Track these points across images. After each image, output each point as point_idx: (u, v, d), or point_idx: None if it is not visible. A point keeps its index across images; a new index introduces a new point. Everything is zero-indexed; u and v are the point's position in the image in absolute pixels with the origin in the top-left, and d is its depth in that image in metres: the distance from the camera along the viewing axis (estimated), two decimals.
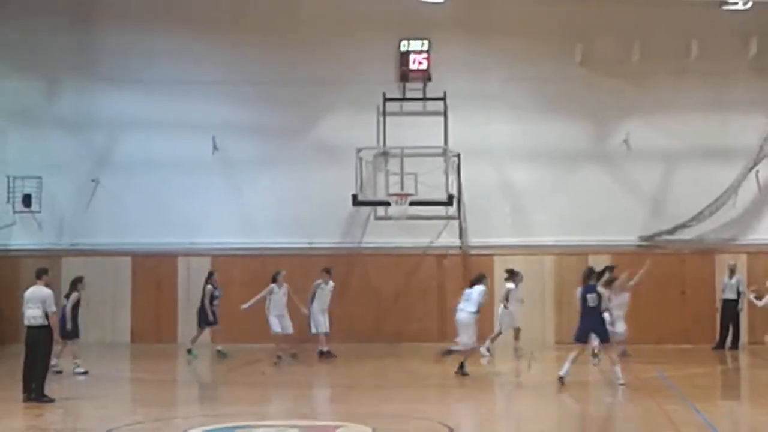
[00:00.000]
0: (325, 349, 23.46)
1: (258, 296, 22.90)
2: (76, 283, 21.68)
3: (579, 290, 18.89)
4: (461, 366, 19.97)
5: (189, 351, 24.24)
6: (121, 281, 28.30)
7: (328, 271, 23.86)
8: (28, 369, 17.44)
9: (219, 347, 24.20)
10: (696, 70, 27.27)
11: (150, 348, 26.80)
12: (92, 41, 28.75)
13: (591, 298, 18.56)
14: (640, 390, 18.85)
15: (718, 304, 25.93)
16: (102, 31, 28.74)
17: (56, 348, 20.50)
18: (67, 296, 21.72)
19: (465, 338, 20.08)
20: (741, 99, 27.32)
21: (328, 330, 23.54)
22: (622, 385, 18.35)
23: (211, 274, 24.54)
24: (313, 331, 23.44)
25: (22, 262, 28.31)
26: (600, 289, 19.10)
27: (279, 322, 22.73)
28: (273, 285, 22.85)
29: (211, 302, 24.10)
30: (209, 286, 24.18)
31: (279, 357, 22.53)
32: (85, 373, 21.21)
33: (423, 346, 24.76)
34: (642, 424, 15.25)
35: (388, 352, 23.69)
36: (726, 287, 25.70)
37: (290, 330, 22.90)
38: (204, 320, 24.32)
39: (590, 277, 19.14)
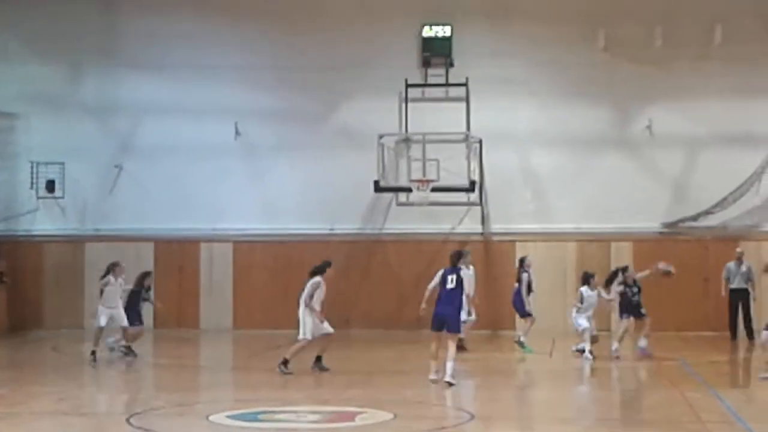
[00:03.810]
0: None
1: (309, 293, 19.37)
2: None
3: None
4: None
5: None
6: (144, 266, 28.14)
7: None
8: None
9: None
10: (720, 55, 27.09)
11: (172, 333, 26.89)
12: (115, 26, 28.80)
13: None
14: (663, 377, 18.82)
15: (724, 293, 25.06)
16: (125, 16, 28.80)
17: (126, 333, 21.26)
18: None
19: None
20: (765, 84, 27.12)
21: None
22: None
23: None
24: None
25: (45, 247, 28.54)
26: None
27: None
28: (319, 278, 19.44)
29: None
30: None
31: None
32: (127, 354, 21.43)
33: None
34: (664, 412, 15.20)
35: (409, 338, 23.69)
36: (733, 275, 24.90)
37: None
38: None
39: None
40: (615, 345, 20.89)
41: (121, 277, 21.38)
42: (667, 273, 21.35)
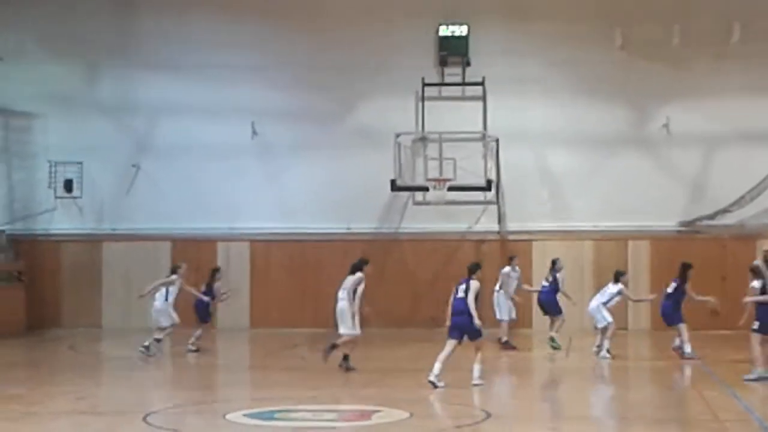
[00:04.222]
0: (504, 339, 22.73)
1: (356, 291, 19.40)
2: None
3: None
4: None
5: None
6: (161, 266, 28.36)
7: (511, 258, 23.31)
8: None
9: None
10: (737, 53, 27.01)
11: (190, 332, 26.90)
12: (132, 26, 28.88)
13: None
14: (680, 376, 18.77)
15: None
16: (142, 16, 28.89)
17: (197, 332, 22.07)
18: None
19: None
20: None
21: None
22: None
23: None
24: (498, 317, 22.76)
25: (63, 246, 28.65)
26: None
27: None
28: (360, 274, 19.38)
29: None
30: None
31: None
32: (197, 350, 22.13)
33: None
34: (680, 411, 15.18)
35: (425, 337, 23.67)
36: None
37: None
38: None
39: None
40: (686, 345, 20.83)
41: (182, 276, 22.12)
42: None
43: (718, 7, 27.24)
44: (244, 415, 13.94)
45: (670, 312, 20.66)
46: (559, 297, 22.81)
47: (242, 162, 28.27)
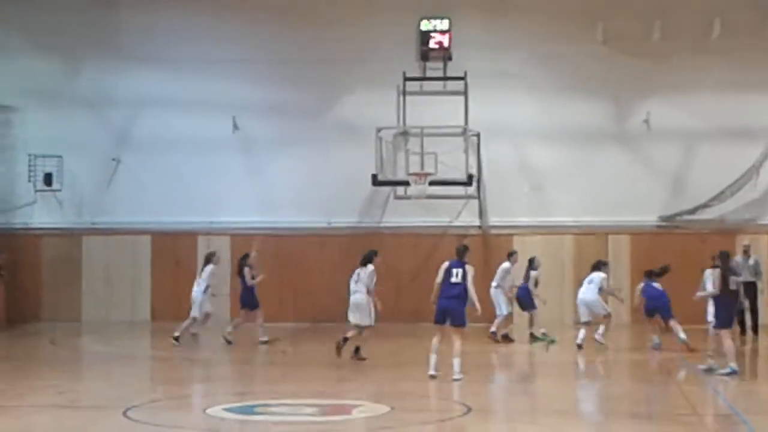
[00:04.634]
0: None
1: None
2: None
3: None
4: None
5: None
6: (141, 260, 28.41)
7: (511, 254, 23.48)
8: None
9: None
10: (718, 48, 27.08)
11: (170, 326, 26.85)
12: (113, 20, 28.76)
13: None
14: (659, 371, 18.84)
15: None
16: (123, 9, 28.76)
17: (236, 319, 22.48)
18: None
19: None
20: (763, 78, 27.12)
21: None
22: None
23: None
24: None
25: (42, 240, 28.54)
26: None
27: None
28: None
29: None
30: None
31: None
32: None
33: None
34: (660, 405, 15.24)
35: (407, 331, 23.70)
36: (741, 269, 24.61)
37: None
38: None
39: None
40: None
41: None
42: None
43: (698, 2, 27.32)
44: (224, 410, 13.93)
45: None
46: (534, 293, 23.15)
47: (223, 156, 28.21)
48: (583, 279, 22.28)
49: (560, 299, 26.60)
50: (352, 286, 19.44)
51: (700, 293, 17.81)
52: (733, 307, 17.60)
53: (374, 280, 19.35)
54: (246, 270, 22.61)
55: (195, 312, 22.21)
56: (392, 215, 27.91)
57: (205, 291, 22.33)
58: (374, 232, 27.80)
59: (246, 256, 22.96)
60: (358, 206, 28.02)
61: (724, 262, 17.67)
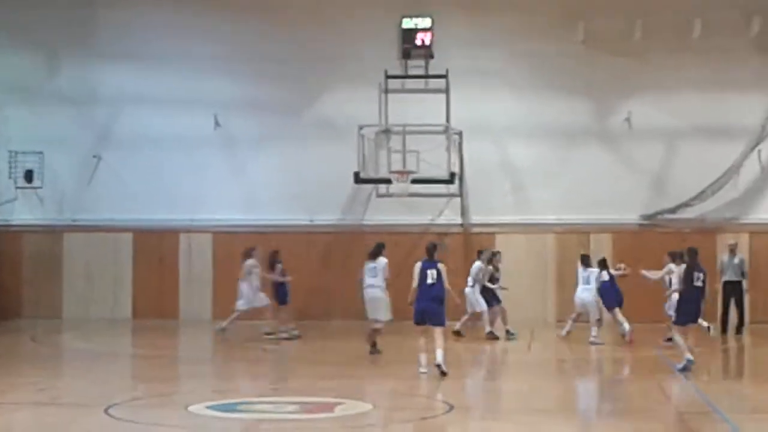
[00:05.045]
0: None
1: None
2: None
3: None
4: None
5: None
6: (123, 257, 28.34)
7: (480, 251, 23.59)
8: None
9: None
10: (698, 48, 27.17)
11: (151, 324, 26.86)
12: (93, 16, 28.67)
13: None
14: (640, 368, 18.91)
15: (718, 286, 24.57)
16: (103, 6, 28.67)
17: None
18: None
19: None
20: (744, 78, 27.23)
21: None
22: None
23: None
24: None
25: (23, 237, 28.46)
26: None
27: None
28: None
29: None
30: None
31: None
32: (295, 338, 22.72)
33: None
34: (640, 402, 15.29)
35: (388, 329, 23.71)
36: (727, 268, 24.53)
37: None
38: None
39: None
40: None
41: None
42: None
43: (679, 2, 27.39)
44: (207, 407, 13.91)
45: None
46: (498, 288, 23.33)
47: (204, 153, 28.15)
48: (579, 276, 22.39)
49: (543, 297, 26.69)
50: (368, 280, 19.31)
51: (670, 291, 17.93)
52: (694, 304, 17.68)
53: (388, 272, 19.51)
54: (278, 267, 23.02)
55: (242, 305, 22.84)
56: (374, 213, 27.91)
57: (254, 284, 22.84)
58: (356, 230, 27.81)
59: (278, 252, 23.30)
60: (340, 204, 28.02)
61: (692, 258, 17.76)
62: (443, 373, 16.56)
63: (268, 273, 22.97)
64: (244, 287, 22.98)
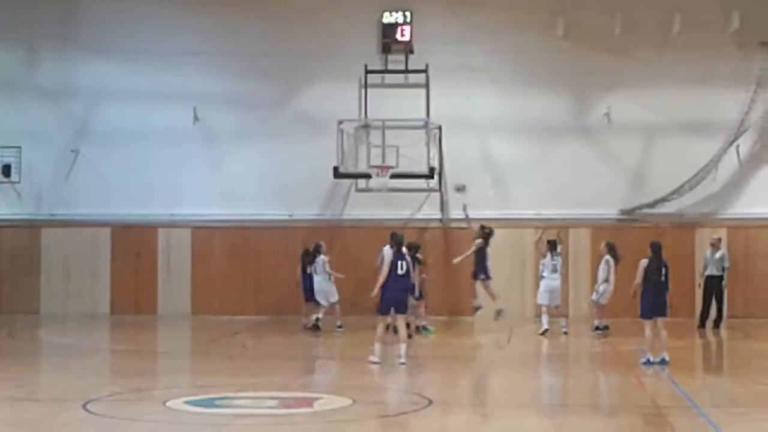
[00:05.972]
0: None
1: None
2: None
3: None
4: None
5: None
6: (101, 252, 28.24)
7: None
8: None
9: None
10: (678, 44, 27.26)
11: (129, 319, 26.77)
12: (73, 10, 28.55)
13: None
14: (618, 363, 18.95)
15: (700, 281, 24.84)
16: (83, 0, 28.56)
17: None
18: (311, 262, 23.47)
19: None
20: (722, 73, 27.31)
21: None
22: None
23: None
24: None
25: (1, 232, 28.28)
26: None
27: None
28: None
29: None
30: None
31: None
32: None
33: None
34: (619, 397, 15.33)
35: (367, 324, 23.69)
36: (708, 263, 24.60)
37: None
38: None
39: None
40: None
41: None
42: None
43: None
44: (185, 403, 13.88)
45: None
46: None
47: (184, 148, 28.08)
48: (545, 265, 22.66)
49: (522, 292, 26.73)
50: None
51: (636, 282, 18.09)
52: (658, 297, 17.81)
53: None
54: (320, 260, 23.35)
55: (322, 300, 23.22)
56: (354, 208, 27.89)
57: (329, 279, 23.29)
58: (335, 224, 27.80)
59: (318, 246, 23.56)
60: (320, 198, 27.99)
61: (655, 252, 17.94)
62: (402, 363, 17.10)
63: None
64: (322, 283, 23.31)
